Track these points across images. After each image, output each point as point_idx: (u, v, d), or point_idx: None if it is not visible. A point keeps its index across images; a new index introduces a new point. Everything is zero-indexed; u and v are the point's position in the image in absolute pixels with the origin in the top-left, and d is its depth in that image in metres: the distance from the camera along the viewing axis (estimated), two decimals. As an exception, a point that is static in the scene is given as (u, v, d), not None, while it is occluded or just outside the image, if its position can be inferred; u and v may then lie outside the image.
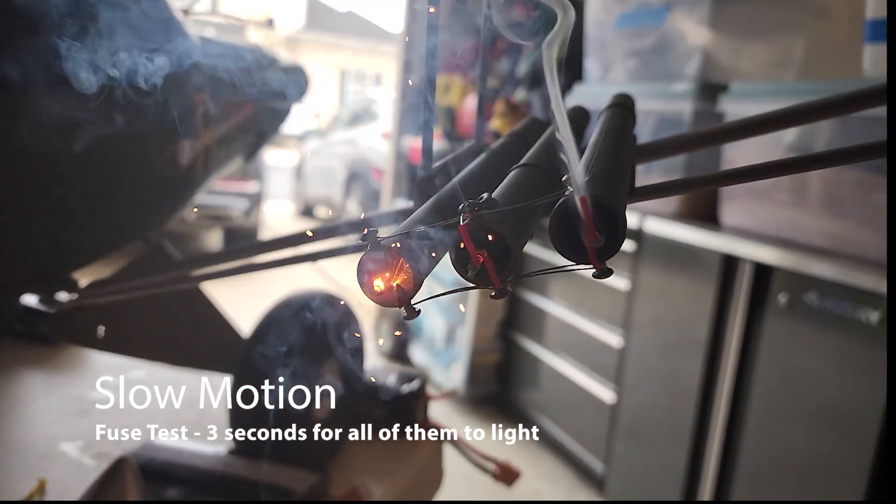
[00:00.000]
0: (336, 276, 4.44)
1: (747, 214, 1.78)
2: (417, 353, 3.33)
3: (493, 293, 0.39)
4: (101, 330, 1.20)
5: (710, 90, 1.91)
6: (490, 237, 0.37)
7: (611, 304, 2.23)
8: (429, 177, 0.61)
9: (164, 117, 0.98)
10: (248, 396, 1.17)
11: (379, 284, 0.39)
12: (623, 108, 0.68)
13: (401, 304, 0.39)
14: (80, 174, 0.93)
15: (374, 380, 1.38)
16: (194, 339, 1.29)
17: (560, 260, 0.39)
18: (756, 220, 1.76)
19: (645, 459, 2.08)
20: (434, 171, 0.62)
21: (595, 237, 0.35)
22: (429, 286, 0.42)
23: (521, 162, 0.51)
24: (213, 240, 5.56)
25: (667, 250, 1.98)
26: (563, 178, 0.36)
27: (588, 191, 0.35)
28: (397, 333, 3.39)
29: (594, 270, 0.37)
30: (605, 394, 2.25)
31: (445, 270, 0.47)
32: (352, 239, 1.04)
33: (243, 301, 1.76)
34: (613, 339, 2.21)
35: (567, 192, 0.36)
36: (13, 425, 1.30)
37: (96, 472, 0.96)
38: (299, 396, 1.17)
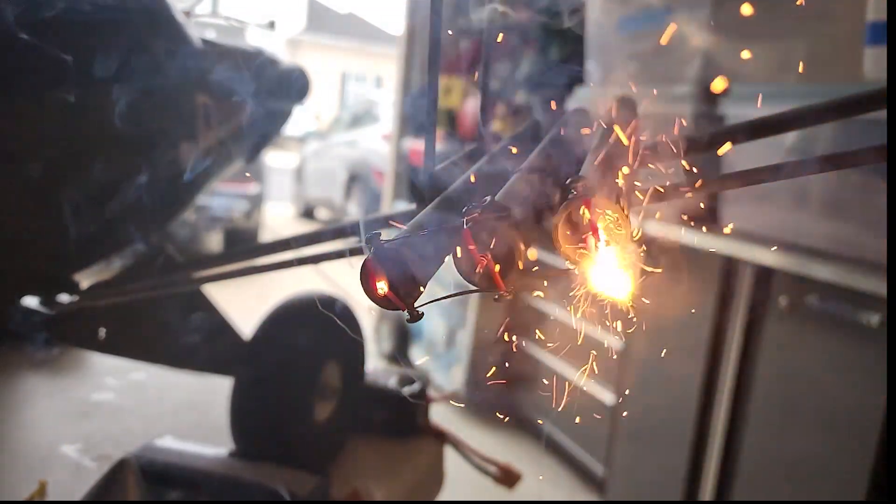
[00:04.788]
0: (337, 278, 4.44)
1: (748, 217, 1.78)
2: (418, 356, 3.33)
3: (497, 296, 0.39)
4: (102, 332, 1.20)
5: (710, 93, 1.91)
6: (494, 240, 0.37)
7: (611, 305, 2.22)
8: (431, 180, 0.61)
9: (166, 119, 0.98)
10: (248, 398, 1.17)
11: (382, 287, 0.39)
12: (625, 111, 0.69)
13: (404, 308, 0.39)
14: (82, 176, 0.93)
15: (374, 382, 1.37)
16: (195, 341, 1.29)
17: (564, 262, 0.39)
18: (757, 223, 1.76)
19: (646, 462, 2.08)
20: (437, 173, 0.62)
21: (599, 240, 0.35)
22: (430, 288, 0.42)
23: (524, 165, 0.51)
24: (214, 241, 5.55)
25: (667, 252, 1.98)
26: (568, 182, 0.36)
27: (592, 194, 0.35)
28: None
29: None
30: (606, 396, 2.25)
31: (447, 272, 0.47)
32: (353, 241, 1.04)
33: (244, 303, 1.76)
34: (614, 341, 2.21)
35: (571, 196, 0.36)
36: (14, 428, 1.30)
37: (97, 475, 0.96)
38: (300, 398, 1.17)
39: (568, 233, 0.37)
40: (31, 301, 1.19)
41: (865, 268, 1.44)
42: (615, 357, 2.20)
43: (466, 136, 3.30)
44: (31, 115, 0.81)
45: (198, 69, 1.04)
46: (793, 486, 1.61)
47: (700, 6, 1.98)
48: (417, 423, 1.37)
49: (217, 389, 1.50)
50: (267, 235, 5.87)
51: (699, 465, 1.86)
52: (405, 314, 0.40)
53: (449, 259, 0.43)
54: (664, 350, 2.00)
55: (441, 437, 1.39)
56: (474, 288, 0.40)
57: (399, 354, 3.41)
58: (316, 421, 1.20)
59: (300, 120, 7.89)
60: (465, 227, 0.37)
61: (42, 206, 0.91)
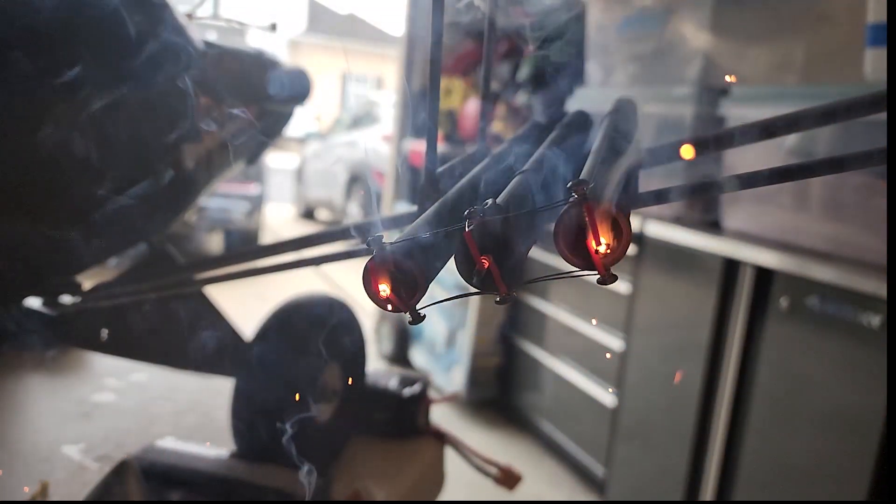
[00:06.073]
0: (338, 279, 4.45)
1: (749, 218, 1.79)
2: (418, 357, 3.33)
3: (498, 298, 0.39)
4: (105, 333, 1.20)
5: (711, 94, 1.91)
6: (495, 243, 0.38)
7: (612, 307, 2.23)
8: (432, 181, 0.61)
9: (167, 120, 0.98)
10: (249, 399, 1.17)
11: (384, 289, 0.39)
12: (625, 112, 0.69)
13: (406, 310, 0.39)
14: (83, 177, 0.93)
15: (375, 383, 1.38)
16: (197, 342, 1.29)
17: (564, 265, 0.39)
18: (757, 224, 1.76)
19: (646, 463, 2.08)
20: (438, 175, 0.62)
21: (600, 244, 0.35)
22: (431, 290, 0.42)
23: (525, 167, 0.52)
24: (214, 242, 5.56)
25: (668, 254, 1.98)
26: (568, 185, 0.36)
27: (593, 197, 0.35)
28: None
29: (599, 276, 0.37)
30: (606, 397, 2.25)
31: (448, 273, 0.48)
32: (355, 243, 1.04)
33: (245, 303, 1.76)
34: (614, 342, 2.21)
35: (572, 199, 0.36)
36: (15, 428, 1.31)
37: (99, 476, 0.97)
38: (301, 399, 1.17)
39: (568, 235, 0.37)
40: (33, 302, 1.19)
41: (866, 269, 1.44)
42: (612, 356, 2.20)
43: (467, 138, 3.31)
44: (29, 116, 0.81)
45: (199, 71, 1.04)
46: (793, 486, 1.61)
47: (700, 7, 1.99)
48: (418, 424, 1.37)
49: (218, 390, 1.50)
50: (268, 236, 5.87)
51: (699, 465, 1.86)
52: (407, 316, 0.41)
53: (451, 261, 0.43)
54: (665, 351, 2.00)
55: (441, 438, 1.39)
56: (476, 290, 0.40)
57: (399, 356, 3.41)
58: (317, 422, 1.20)
59: (301, 121, 7.90)
60: (466, 229, 0.38)
61: (44, 207, 0.91)
